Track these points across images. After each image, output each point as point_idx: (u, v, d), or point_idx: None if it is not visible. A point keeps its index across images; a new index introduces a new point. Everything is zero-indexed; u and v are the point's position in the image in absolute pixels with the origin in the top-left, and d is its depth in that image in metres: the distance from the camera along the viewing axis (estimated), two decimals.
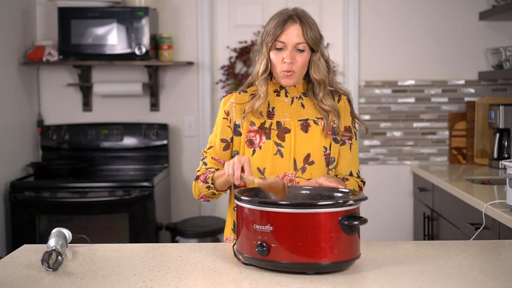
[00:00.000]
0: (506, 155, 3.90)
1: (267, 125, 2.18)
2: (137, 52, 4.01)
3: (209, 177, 2.17)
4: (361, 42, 4.30)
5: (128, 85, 4.28)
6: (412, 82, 4.31)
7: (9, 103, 3.97)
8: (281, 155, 2.16)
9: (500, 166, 3.89)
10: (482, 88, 4.29)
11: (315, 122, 2.18)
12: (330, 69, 2.21)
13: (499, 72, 4.02)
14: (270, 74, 2.21)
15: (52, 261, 1.78)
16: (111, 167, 4.26)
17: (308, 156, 2.16)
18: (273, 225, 1.71)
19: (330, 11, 4.32)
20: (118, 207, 3.79)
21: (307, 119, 2.19)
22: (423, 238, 3.82)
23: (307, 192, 1.98)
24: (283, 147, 2.16)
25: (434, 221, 3.74)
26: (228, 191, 2.24)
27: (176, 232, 3.97)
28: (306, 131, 2.17)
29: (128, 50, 4.03)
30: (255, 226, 1.73)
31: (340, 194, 1.91)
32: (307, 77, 2.23)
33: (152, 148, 4.26)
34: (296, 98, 2.22)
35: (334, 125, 2.19)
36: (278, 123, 2.18)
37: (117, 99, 4.37)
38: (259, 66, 2.18)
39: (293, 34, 2.12)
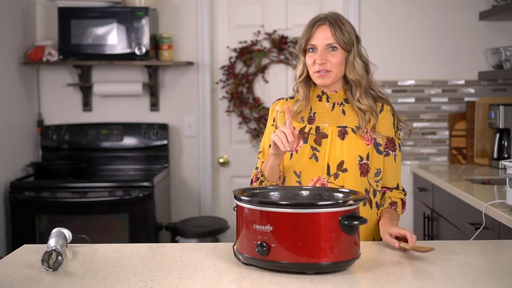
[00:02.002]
0: (506, 155, 3.90)
1: (306, 130, 2.22)
2: (137, 52, 4.01)
3: (258, 173, 2.24)
4: (361, 42, 4.29)
5: (128, 85, 4.28)
6: (412, 82, 4.31)
7: (9, 103, 3.97)
8: (316, 159, 2.18)
9: (500, 166, 3.89)
10: (482, 88, 4.29)
11: (353, 131, 2.20)
12: (368, 70, 2.26)
13: (499, 72, 4.02)
14: (310, 78, 2.25)
15: (52, 261, 1.78)
16: (111, 167, 4.26)
17: (341, 163, 2.17)
18: (273, 225, 1.71)
19: (331, 11, 4.31)
20: (118, 207, 3.79)
21: (346, 127, 2.21)
22: (423, 238, 3.81)
23: (307, 192, 1.98)
24: (318, 151, 2.19)
25: (434, 221, 3.74)
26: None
27: (176, 232, 3.97)
28: (343, 138, 2.19)
29: (128, 50, 4.03)
30: (255, 226, 1.73)
31: (340, 194, 1.91)
32: (347, 81, 2.24)
33: (152, 148, 4.26)
34: (338, 104, 2.24)
35: (375, 136, 2.20)
36: (317, 128, 2.22)
37: (117, 99, 4.37)
38: (297, 71, 2.24)
39: (322, 35, 2.17)
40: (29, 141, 4.26)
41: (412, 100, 4.32)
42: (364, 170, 2.18)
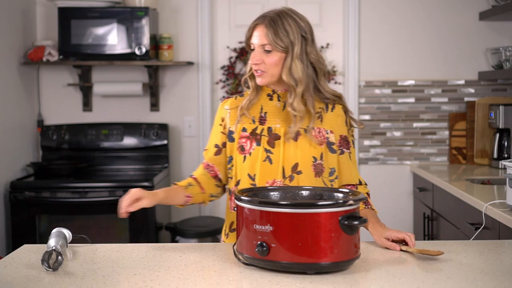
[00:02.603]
0: (506, 155, 3.90)
1: (258, 131, 2.18)
2: (137, 52, 4.01)
3: (185, 183, 2.29)
4: (361, 42, 4.30)
5: (128, 85, 4.28)
6: (412, 82, 4.31)
7: (9, 103, 3.97)
8: (270, 162, 2.15)
9: (500, 166, 3.89)
10: (482, 88, 4.29)
11: (305, 131, 2.15)
12: (317, 73, 2.15)
13: (499, 72, 4.02)
14: None
15: (52, 261, 1.78)
16: (111, 167, 4.26)
17: (296, 165, 2.14)
18: (273, 225, 1.71)
19: (330, 11, 4.32)
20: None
21: (296, 122, 2.14)
22: (423, 238, 3.82)
23: (307, 192, 1.98)
24: (272, 153, 2.15)
25: (434, 221, 3.74)
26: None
27: (176, 232, 3.97)
28: (295, 139, 2.15)
29: (128, 50, 4.03)
30: (255, 226, 1.73)
31: (340, 194, 1.91)
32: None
33: (152, 148, 4.26)
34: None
35: (327, 136, 2.17)
36: (269, 129, 2.17)
37: (117, 99, 4.37)
38: (247, 66, 2.22)
39: (257, 35, 2.13)
40: (29, 141, 4.26)
41: (412, 100, 4.32)
42: (318, 170, 2.15)
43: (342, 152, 2.20)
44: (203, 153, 2.32)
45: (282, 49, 2.10)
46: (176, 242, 3.90)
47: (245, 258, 1.79)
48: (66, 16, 4.03)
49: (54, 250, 1.79)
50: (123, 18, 4.02)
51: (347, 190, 1.91)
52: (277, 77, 2.15)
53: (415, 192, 4.22)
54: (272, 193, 1.97)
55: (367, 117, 4.33)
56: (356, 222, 1.71)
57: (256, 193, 1.93)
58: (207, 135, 4.36)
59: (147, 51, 4.01)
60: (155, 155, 4.27)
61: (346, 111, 2.22)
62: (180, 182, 2.31)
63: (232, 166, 2.22)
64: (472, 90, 4.30)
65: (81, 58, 4.12)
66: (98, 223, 3.83)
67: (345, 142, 2.21)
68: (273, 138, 2.16)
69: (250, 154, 2.16)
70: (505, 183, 2.72)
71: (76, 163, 4.14)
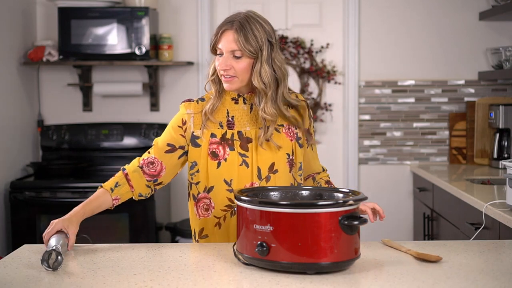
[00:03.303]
0: (506, 155, 3.90)
1: (228, 136, 2.16)
2: (137, 52, 4.01)
3: (113, 183, 2.30)
4: (361, 42, 4.30)
5: (128, 85, 4.28)
6: (412, 82, 4.31)
7: (9, 103, 3.97)
8: (247, 166, 2.15)
9: (500, 166, 3.89)
10: (482, 88, 4.29)
11: (276, 130, 2.16)
12: (282, 78, 2.13)
13: (499, 72, 4.02)
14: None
15: (52, 261, 1.78)
16: (111, 167, 4.26)
17: (272, 165, 2.15)
18: (273, 225, 1.71)
19: (330, 11, 4.32)
20: (118, 207, 3.76)
21: (268, 127, 2.14)
22: (423, 238, 3.82)
23: (307, 192, 1.98)
24: (247, 157, 2.15)
25: (434, 221, 3.74)
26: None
27: (176, 232, 3.97)
28: (267, 140, 2.15)
29: (128, 50, 4.03)
30: (255, 226, 1.73)
31: (340, 194, 1.91)
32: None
33: None
34: (255, 104, 2.16)
35: (296, 131, 2.20)
36: (239, 133, 2.16)
37: (117, 99, 4.37)
38: (209, 70, 2.19)
39: (226, 40, 2.09)
40: (29, 141, 4.26)
41: (412, 100, 4.32)
42: (291, 166, 2.18)
43: (308, 145, 2.27)
44: (148, 149, 2.28)
45: (252, 55, 2.08)
46: (176, 242, 3.90)
47: (245, 258, 1.79)
48: (66, 16, 4.03)
49: (54, 250, 1.79)
50: (123, 18, 4.02)
51: (347, 190, 1.91)
52: (246, 82, 2.13)
53: (415, 192, 4.22)
54: (272, 193, 1.97)
55: (367, 117, 4.33)
56: (356, 222, 1.72)
57: (256, 193, 1.93)
58: None
59: (147, 51, 4.01)
60: None
61: (307, 105, 2.26)
62: (107, 181, 2.29)
63: (197, 172, 2.17)
64: (472, 90, 4.30)
65: (81, 58, 4.12)
66: (98, 223, 3.82)
67: (309, 135, 2.25)
68: (246, 141, 2.15)
69: (225, 160, 2.14)
70: (505, 183, 2.72)
71: (76, 163, 4.14)
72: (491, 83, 4.28)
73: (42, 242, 2.02)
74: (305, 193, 1.98)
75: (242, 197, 1.79)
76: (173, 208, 4.39)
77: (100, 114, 4.38)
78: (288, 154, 2.17)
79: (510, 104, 3.91)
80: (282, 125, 2.18)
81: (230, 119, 2.18)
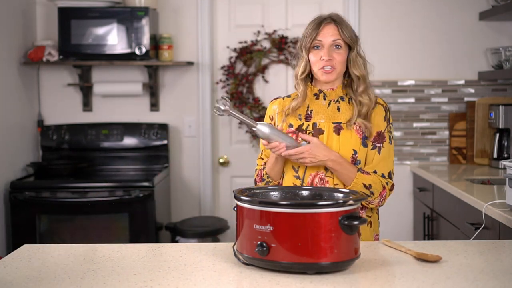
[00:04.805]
0: (506, 155, 3.90)
1: (304, 127, 2.28)
2: (137, 52, 4.01)
3: (263, 173, 2.33)
4: (361, 42, 4.28)
5: (128, 85, 4.28)
6: (412, 82, 4.31)
7: (9, 103, 3.97)
8: None
9: (500, 166, 3.89)
10: (482, 88, 4.29)
11: (347, 126, 2.26)
12: (369, 68, 2.32)
13: (499, 72, 4.02)
14: (309, 77, 2.32)
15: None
16: (111, 167, 4.26)
17: None
18: (273, 225, 1.71)
19: (330, 11, 4.30)
20: (118, 207, 3.79)
21: (341, 122, 2.27)
22: (423, 238, 3.82)
23: (307, 192, 1.98)
24: None
25: (434, 221, 3.74)
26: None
27: (176, 232, 3.97)
28: (338, 133, 2.26)
29: (128, 50, 4.03)
30: (255, 226, 1.73)
31: (340, 194, 1.91)
32: (346, 78, 2.32)
33: (152, 148, 4.26)
34: (334, 101, 2.31)
35: (362, 124, 2.25)
36: (314, 124, 2.28)
37: (117, 99, 4.37)
38: (298, 68, 2.30)
39: (328, 33, 2.25)
40: (29, 141, 4.26)
41: (412, 100, 4.32)
42: (354, 163, 2.25)
43: (374, 147, 2.27)
44: (261, 157, 2.40)
45: (351, 44, 2.26)
46: (176, 242, 3.90)
47: (245, 258, 1.79)
48: (66, 16, 4.03)
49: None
50: (123, 18, 4.02)
51: (347, 190, 1.92)
52: (341, 74, 2.30)
53: (415, 192, 4.22)
54: (272, 193, 1.97)
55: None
56: (356, 222, 1.72)
57: (256, 193, 1.93)
58: (207, 135, 4.36)
59: (147, 51, 4.01)
60: (155, 155, 4.27)
61: (386, 108, 2.32)
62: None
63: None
64: (472, 90, 4.30)
65: (81, 58, 4.12)
66: (98, 223, 3.83)
67: (379, 138, 2.28)
68: (318, 132, 2.27)
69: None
70: (505, 183, 2.72)
71: (76, 163, 4.14)
72: (491, 83, 4.28)
73: (42, 242, 2.02)
74: (305, 193, 1.98)
75: (242, 197, 1.79)
76: (173, 208, 4.39)
77: (100, 114, 4.38)
78: (354, 150, 2.24)
79: (510, 104, 3.91)
80: (355, 123, 2.26)
81: (309, 112, 2.30)
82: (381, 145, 2.28)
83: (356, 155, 2.24)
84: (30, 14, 4.26)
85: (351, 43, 2.26)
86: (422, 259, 1.86)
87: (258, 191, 1.95)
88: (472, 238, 2.79)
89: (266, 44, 4.34)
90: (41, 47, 4.12)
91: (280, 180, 2.32)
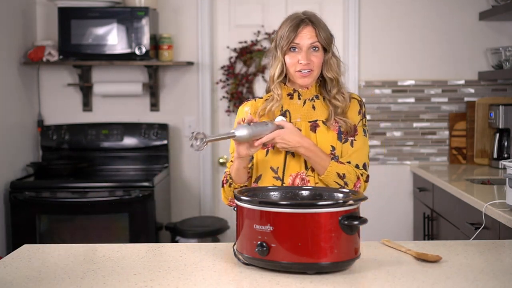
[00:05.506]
0: (506, 155, 3.90)
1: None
2: (137, 52, 4.01)
3: (227, 175, 2.26)
4: (361, 42, 4.30)
5: (128, 85, 4.28)
6: (412, 82, 4.31)
7: (9, 103, 3.97)
8: (293, 155, 2.22)
9: (500, 166, 3.89)
10: (482, 88, 4.29)
11: (324, 123, 2.24)
12: (343, 68, 2.30)
13: (499, 72, 4.02)
14: (284, 78, 2.28)
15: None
16: (111, 167, 4.26)
17: None
18: (273, 225, 1.71)
19: (330, 11, 4.32)
20: (118, 207, 3.79)
21: (316, 120, 2.25)
22: (423, 238, 3.82)
23: (307, 192, 1.98)
24: None
25: (434, 221, 3.74)
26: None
27: (176, 232, 3.97)
28: (314, 131, 2.23)
29: (128, 50, 4.03)
30: (255, 226, 1.73)
31: (340, 194, 1.91)
32: (319, 78, 2.29)
33: (152, 148, 4.26)
34: (309, 100, 2.28)
35: (341, 127, 2.23)
36: (290, 124, 2.23)
37: (117, 99, 4.37)
38: (274, 70, 2.25)
39: (306, 35, 2.20)
40: (29, 141, 4.26)
41: (412, 100, 4.32)
42: (333, 158, 2.23)
43: (346, 140, 2.25)
44: (231, 159, 2.31)
45: (327, 47, 2.23)
46: (176, 242, 3.90)
47: (245, 258, 1.79)
48: (66, 16, 4.03)
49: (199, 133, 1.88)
50: (123, 18, 4.02)
51: (347, 190, 1.91)
52: (317, 76, 2.26)
53: (415, 192, 4.22)
54: (272, 193, 1.97)
55: (367, 117, 4.32)
56: (356, 222, 1.72)
57: (256, 193, 1.93)
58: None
59: (147, 51, 4.01)
60: (155, 155, 4.27)
61: (361, 103, 2.31)
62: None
63: (253, 165, 2.26)
64: (472, 90, 4.30)
65: (81, 58, 4.12)
66: (98, 223, 3.83)
67: (352, 131, 2.26)
68: None
69: (273, 147, 2.22)
70: (505, 183, 2.72)
71: (76, 163, 4.14)
72: (491, 83, 4.28)
73: (42, 242, 2.02)
74: (305, 193, 1.98)
75: (242, 197, 1.79)
76: (173, 208, 4.39)
77: (100, 114, 4.38)
78: (332, 147, 2.22)
79: (510, 104, 3.91)
80: (328, 120, 2.24)
81: (283, 112, 2.27)
82: (354, 138, 2.25)
83: (335, 151, 2.22)
84: (30, 14, 4.26)
85: (327, 45, 2.23)
86: (422, 259, 1.86)
87: (258, 191, 1.95)
88: (472, 238, 2.79)
89: (266, 44, 4.34)
90: (41, 47, 4.12)
91: (245, 182, 2.23)
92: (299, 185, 2.19)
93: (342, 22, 4.33)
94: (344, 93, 2.27)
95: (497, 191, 3.14)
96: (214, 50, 4.39)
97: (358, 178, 2.23)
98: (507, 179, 2.55)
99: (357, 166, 2.24)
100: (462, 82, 4.29)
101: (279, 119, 2.18)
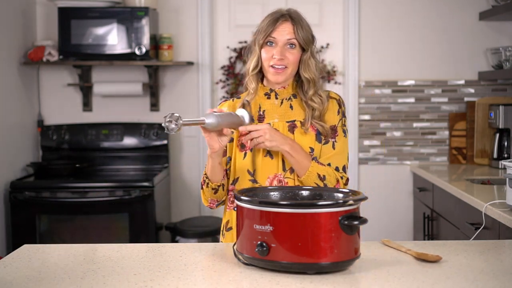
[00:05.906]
0: (506, 155, 3.90)
1: None
2: (137, 52, 4.01)
3: (204, 176, 2.25)
4: (361, 42, 4.30)
5: (128, 85, 4.28)
6: (412, 82, 4.31)
7: (9, 103, 3.97)
8: (271, 157, 2.18)
9: (500, 166, 3.89)
10: (482, 88, 4.29)
11: (301, 123, 2.20)
12: (321, 70, 2.27)
13: (499, 72, 4.02)
14: (261, 73, 2.24)
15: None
16: (111, 167, 4.26)
17: None
18: (273, 225, 1.71)
19: (330, 11, 4.32)
20: (118, 207, 3.79)
21: (294, 121, 2.21)
22: (423, 238, 3.82)
23: (307, 192, 1.98)
24: None
25: (434, 221, 3.74)
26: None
27: (176, 232, 3.97)
28: (293, 132, 2.20)
29: (128, 50, 4.03)
30: (255, 226, 1.73)
31: (340, 194, 1.91)
32: (296, 77, 2.25)
33: (152, 148, 4.26)
34: (286, 99, 2.24)
35: (319, 126, 2.19)
36: (268, 124, 2.19)
37: (117, 99, 4.37)
38: (250, 63, 2.22)
39: (284, 31, 2.17)
40: (29, 141, 4.26)
41: (412, 100, 4.32)
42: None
43: (326, 142, 2.22)
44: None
45: (305, 46, 2.18)
46: (176, 242, 3.90)
47: (245, 258, 1.79)
48: (66, 16, 4.03)
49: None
50: (123, 18, 4.02)
51: (347, 190, 1.91)
52: (292, 75, 2.22)
53: (415, 192, 4.22)
54: (272, 193, 1.97)
55: (367, 117, 4.33)
56: (356, 222, 1.71)
57: (256, 193, 1.93)
58: None
59: (147, 51, 4.01)
60: (155, 155, 4.27)
61: (340, 102, 2.26)
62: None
63: (230, 166, 2.24)
64: (472, 90, 4.30)
65: (81, 58, 4.12)
66: (98, 223, 3.84)
67: (332, 132, 2.22)
68: None
69: (251, 150, 2.19)
70: (505, 183, 2.72)
71: (76, 163, 4.14)
72: (491, 83, 4.28)
73: (42, 242, 2.02)
74: (305, 193, 1.98)
75: (242, 197, 1.79)
76: (173, 208, 4.39)
77: (100, 114, 4.38)
78: (311, 148, 2.19)
79: (510, 104, 3.91)
80: (305, 122, 2.20)
81: (261, 113, 2.23)
82: (335, 139, 2.22)
83: (313, 153, 2.19)
84: (30, 14, 4.26)
85: (305, 45, 2.18)
86: (422, 259, 1.86)
87: (258, 191, 1.95)
88: (472, 238, 2.79)
89: None
90: (41, 47, 4.12)
91: (222, 181, 2.21)
92: None
93: (342, 22, 4.33)
94: (322, 95, 2.21)
95: (497, 191, 3.14)
96: (214, 50, 4.39)
97: (338, 181, 2.20)
98: (507, 179, 2.55)
99: (336, 169, 2.21)
100: (462, 82, 4.30)
101: (241, 112, 2.12)
